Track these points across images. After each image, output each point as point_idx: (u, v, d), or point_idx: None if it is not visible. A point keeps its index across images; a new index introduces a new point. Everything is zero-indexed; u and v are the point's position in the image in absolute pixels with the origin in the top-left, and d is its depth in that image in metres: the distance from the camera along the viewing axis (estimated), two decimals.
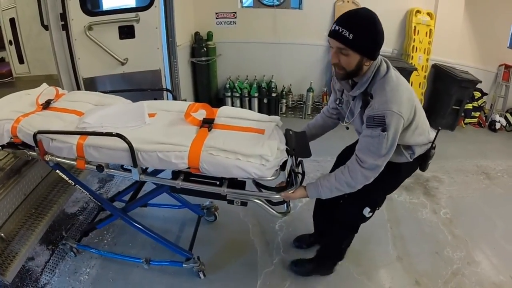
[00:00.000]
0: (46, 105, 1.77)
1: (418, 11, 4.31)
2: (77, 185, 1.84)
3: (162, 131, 1.56)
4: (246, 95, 4.42)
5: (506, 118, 4.91)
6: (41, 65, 3.93)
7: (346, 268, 2.22)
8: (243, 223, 2.53)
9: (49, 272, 2.08)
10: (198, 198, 2.41)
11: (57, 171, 1.74)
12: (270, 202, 1.57)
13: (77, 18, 2.61)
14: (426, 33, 4.38)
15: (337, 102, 1.73)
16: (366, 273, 2.20)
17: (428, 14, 4.35)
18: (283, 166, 1.52)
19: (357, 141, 1.72)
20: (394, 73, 1.48)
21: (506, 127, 4.89)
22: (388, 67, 1.48)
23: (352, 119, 1.62)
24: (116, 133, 1.41)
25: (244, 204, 1.57)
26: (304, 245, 2.33)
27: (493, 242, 2.57)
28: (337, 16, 4.24)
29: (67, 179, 1.78)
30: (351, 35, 1.34)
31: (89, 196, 1.91)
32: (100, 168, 1.57)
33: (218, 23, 4.38)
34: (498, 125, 4.78)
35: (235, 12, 4.33)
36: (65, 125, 1.65)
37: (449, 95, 4.38)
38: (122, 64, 2.85)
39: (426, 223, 2.72)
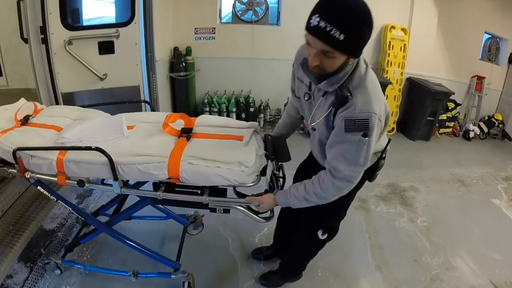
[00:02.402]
0: (25, 121, 1.75)
1: (392, 27, 4.47)
2: (59, 201, 1.80)
3: (141, 143, 1.56)
4: (224, 110, 4.45)
5: (479, 126, 5.13)
6: (19, 78, 3.87)
7: (326, 279, 2.23)
8: (223, 238, 2.51)
9: None
10: (183, 207, 2.40)
11: (38, 187, 1.70)
12: (253, 210, 1.54)
13: (57, 32, 2.58)
14: (401, 47, 4.54)
15: (306, 98, 1.42)
16: (346, 283, 2.22)
17: (402, 29, 4.52)
18: (263, 172, 1.49)
19: (311, 158, 1.65)
20: (371, 69, 1.29)
21: (480, 135, 5.12)
22: (366, 63, 1.28)
23: (318, 120, 1.35)
24: (95, 147, 1.40)
25: (226, 211, 1.54)
26: (262, 257, 2.33)
27: (470, 247, 2.65)
28: None
29: (49, 195, 1.74)
30: (342, 35, 1.04)
31: (72, 211, 1.86)
32: (81, 183, 1.54)
33: (197, 38, 4.38)
34: (472, 134, 4.98)
35: (214, 28, 4.36)
36: (44, 141, 1.62)
37: (423, 107, 4.53)
38: (101, 79, 2.83)
39: (403, 232, 2.78)
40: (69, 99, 2.79)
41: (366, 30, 1.09)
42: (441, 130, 4.98)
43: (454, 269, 2.42)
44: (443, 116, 4.87)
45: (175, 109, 4.50)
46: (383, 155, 1.52)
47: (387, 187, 3.40)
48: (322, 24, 1.04)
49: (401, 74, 4.64)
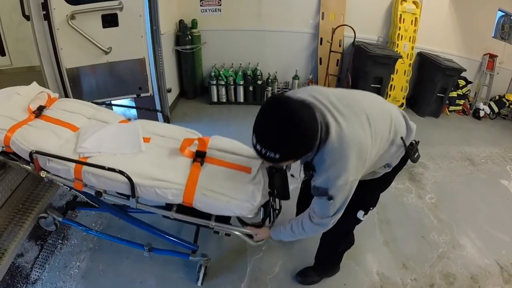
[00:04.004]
0: (39, 112, 1.77)
1: (404, 0, 4.33)
2: (72, 190, 1.76)
3: (158, 164, 1.67)
4: (232, 83, 4.38)
5: (490, 106, 5.05)
6: (23, 56, 3.82)
7: None
8: None
9: (39, 268, 2.05)
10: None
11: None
12: (249, 235, 1.75)
13: (59, 7, 2.53)
14: (412, 21, 4.43)
15: None
16: (354, 257, 2.23)
17: (414, 2, 4.39)
18: (263, 204, 1.68)
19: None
20: (335, 132, 1.22)
21: (490, 115, 5.03)
22: (328, 127, 1.22)
23: (304, 177, 1.57)
24: (119, 170, 1.48)
25: (227, 234, 1.75)
26: None
27: (477, 226, 2.64)
28: (322, 4, 4.30)
29: (62, 185, 1.73)
30: (277, 155, 1.14)
31: (85, 199, 1.90)
32: (98, 194, 1.61)
33: (202, 10, 4.31)
34: (482, 113, 4.90)
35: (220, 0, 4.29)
36: (61, 143, 1.66)
37: (433, 83, 4.45)
38: (106, 53, 2.79)
39: (411, 208, 2.77)
40: (74, 74, 2.77)
41: (300, 144, 1.15)
42: (451, 108, 4.91)
43: (461, 248, 2.43)
44: (453, 94, 4.78)
45: (181, 83, 4.48)
46: (416, 141, 1.53)
47: None
48: (258, 147, 1.15)
49: (412, 48, 4.54)
